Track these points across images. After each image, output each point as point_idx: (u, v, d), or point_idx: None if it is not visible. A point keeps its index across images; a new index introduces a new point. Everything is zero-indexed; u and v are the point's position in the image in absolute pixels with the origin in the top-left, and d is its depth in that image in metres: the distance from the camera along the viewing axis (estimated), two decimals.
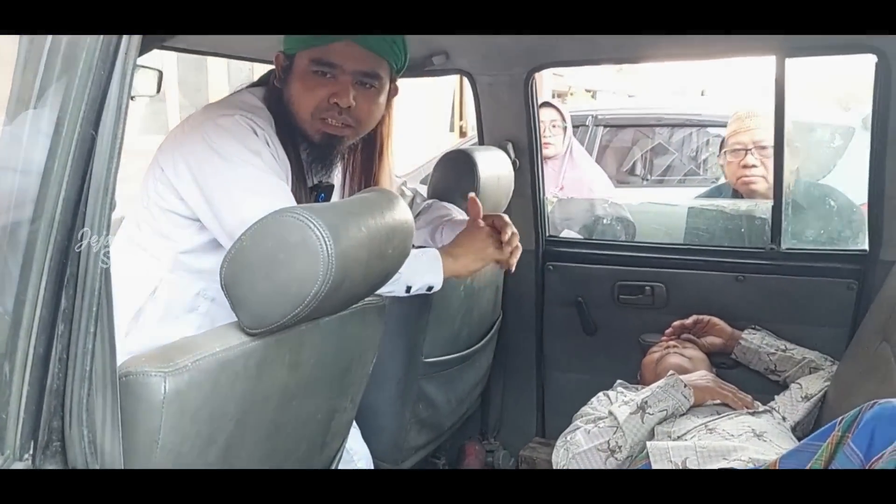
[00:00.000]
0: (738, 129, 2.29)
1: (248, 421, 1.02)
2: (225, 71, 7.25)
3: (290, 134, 1.38)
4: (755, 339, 1.90)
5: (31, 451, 0.72)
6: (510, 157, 2.07)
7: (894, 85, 1.68)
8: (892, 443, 0.93)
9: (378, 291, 1.24)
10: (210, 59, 7.13)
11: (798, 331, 1.90)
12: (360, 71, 1.35)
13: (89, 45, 0.67)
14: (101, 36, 0.67)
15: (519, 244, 1.50)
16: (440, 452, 2.16)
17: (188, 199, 1.28)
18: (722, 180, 2.55)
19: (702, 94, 9.28)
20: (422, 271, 1.35)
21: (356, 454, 1.66)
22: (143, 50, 1.75)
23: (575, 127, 4.38)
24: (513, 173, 1.96)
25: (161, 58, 6.26)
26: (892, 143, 1.72)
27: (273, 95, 1.40)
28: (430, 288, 1.37)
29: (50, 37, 0.75)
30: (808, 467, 1.01)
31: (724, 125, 3.19)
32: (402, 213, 1.11)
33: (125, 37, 0.69)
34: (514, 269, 1.52)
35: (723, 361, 1.95)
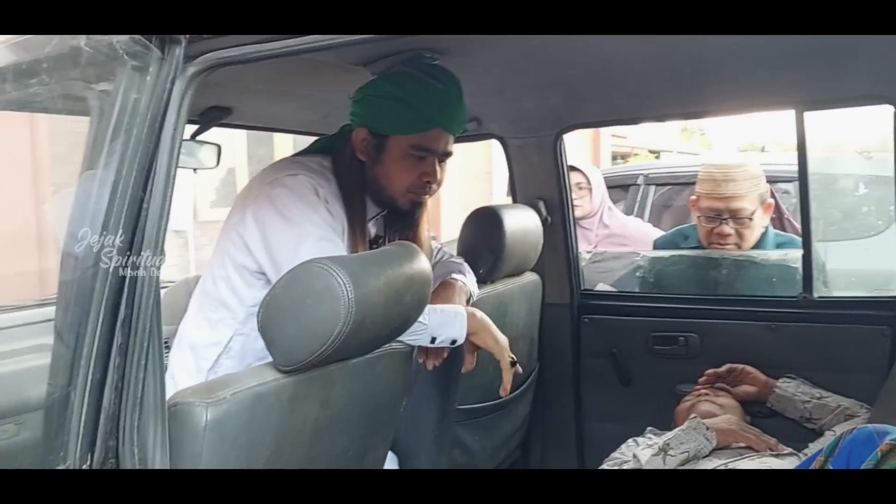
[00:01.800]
0: (711, 191, 2.17)
1: (284, 451, 1.13)
2: (291, 143, 7.66)
3: (356, 199, 1.53)
4: (790, 388, 1.92)
5: (89, 463, 0.85)
6: (542, 215, 2.17)
7: None
8: (864, 461, 0.97)
9: (405, 340, 1.36)
10: (276, 138, 7.56)
11: (832, 378, 1.91)
12: (445, 152, 1.55)
13: (139, 122, 0.83)
14: (148, 113, 0.83)
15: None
16: None
17: (254, 249, 1.44)
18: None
19: (762, 150, 9.25)
20: (447, 326, 1.44)
21: None
22: (202, 128, 1.97)
23: (626, 186, 4.46)
24: (541, 229, 2.06)
25: (232, 134, 6.70)
26: None
27: (352, 167, 1.55)
28: (453, 342, 1.46)
29: (114, 117, 0.91)
30: None
31: (789, 180, 3.16)
32: (419, 264, 1.23)
33: (170, 115, 0.84)
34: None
35: (759, 410, 1.96)
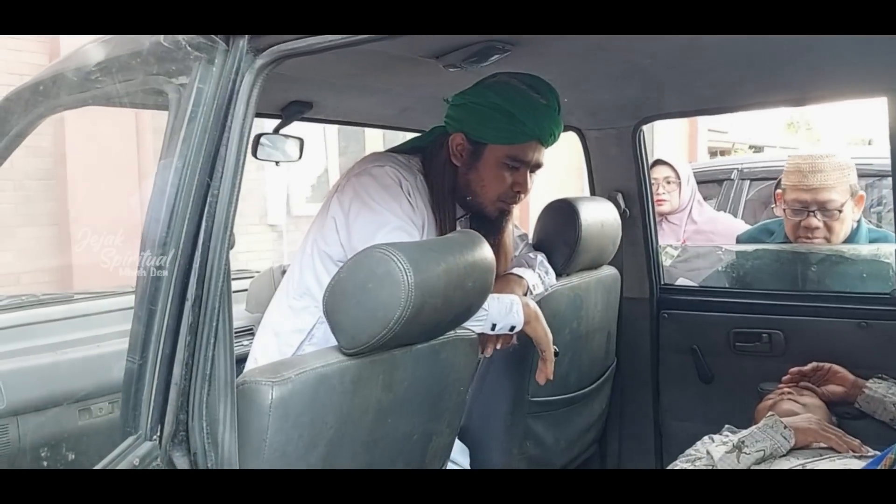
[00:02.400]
0: (797, 184, 2.09)
1: (347, 431, 1.17)
2: (381, 139, 7.82)
3: (447, 202, 1.59)
4: (880, 389, 1.81)
5: (158, 434, 0.91)
6: (620, 208, 2.14)
7: None
8: None
9: (467, 326, 1.38)
10: (367, 137, 7.74)
11: None
12: (538, 164, 1.60)
13: (206, 111, 0.88)
14: (215, 103, 0.88)
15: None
16: None
17: (340, 233, 1.51)
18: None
19: (868, 144, 8.74)
20: (505, 313, 1.46)
21: None
22: (285, 122, 2.05)
23: (720, 181, 4.31)
24: (619, 222, 2.03)
25: (325, 132, 6.91)
26: None
27: (445, 170, 1.60)
28: (512, 328, 1.48)
29: (188, 109, 0.96)
30: None
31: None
32: (482, 252, 1.25)
33: (239, 105, 0.89)
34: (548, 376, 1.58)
35: (847, 411, 1.86)
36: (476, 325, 1.40)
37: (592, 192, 2.27)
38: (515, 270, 1.70)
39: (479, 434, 1.80)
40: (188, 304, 0.92)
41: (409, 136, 1.87)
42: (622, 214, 2.11)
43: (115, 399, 1.72)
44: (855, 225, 2.14)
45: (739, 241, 2.46)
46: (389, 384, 1.22)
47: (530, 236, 1.97)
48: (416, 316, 1.11)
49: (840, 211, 2.07)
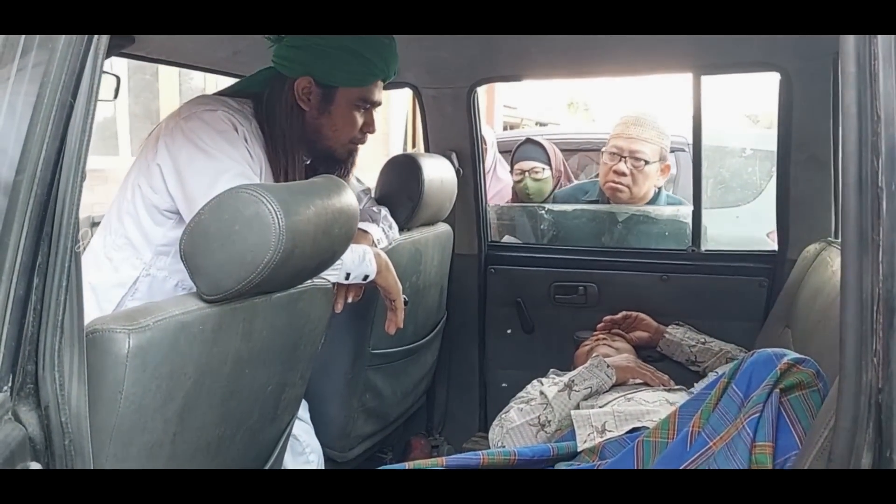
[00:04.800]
0: (620, 133, 2.34)
1: (205, 382, 1.10)
2: (176, 88, 7.28)
3: (296, 148, 1.53)
4: (678, 334, 2.06)
5: (9, 385, 0.80)
6: (454, 166, 2.20)
7: (795, 99, 1.87)
8: (765, 379, 1.08)
9: (323, 275, 1.36)
10: (161, 84, 7.16)
11: (716, 325, 2.07)
12: (380, 102, 1.59)
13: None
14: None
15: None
16: (387, 447, 2.25)
17: (168, 182, 1.40)
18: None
19: None
20: (359, 263, 1.48)
21: (308, 447, 1.76)
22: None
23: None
24: (456, 180, 2.09)
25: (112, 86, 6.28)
26: (795, 152, 1.91)
27: (291, 116, 1.52)
28: (365, 277, 1.50)
29: None
30: (699, 411, 1.16)
31: (680, 150, 3.40)
32: (347, 198, 1.23)
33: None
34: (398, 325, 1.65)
35: (649, 354, 2.10)
36: (331, 274, 1.38)
37: (427, 150, 2.31)
38: (360, 224, 1.70)
39: (319, 387, 1.79)
40: (43, 242, 0.81)
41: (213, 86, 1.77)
42: (456, 173, 2.18)
43: None
44: (657, 190, 2.40)
45: (557, 198, 2.65)
46: (249, 333, 1.17)
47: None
48: (285, 261, 1.07)
49: (647, 163, 2.30)
